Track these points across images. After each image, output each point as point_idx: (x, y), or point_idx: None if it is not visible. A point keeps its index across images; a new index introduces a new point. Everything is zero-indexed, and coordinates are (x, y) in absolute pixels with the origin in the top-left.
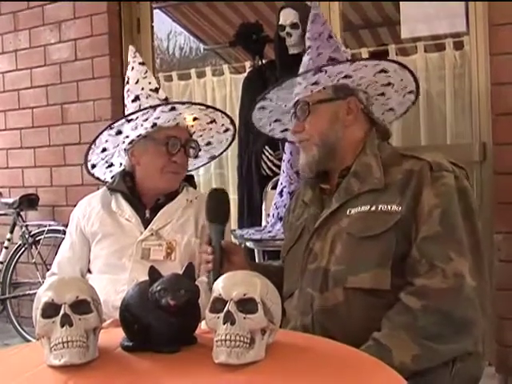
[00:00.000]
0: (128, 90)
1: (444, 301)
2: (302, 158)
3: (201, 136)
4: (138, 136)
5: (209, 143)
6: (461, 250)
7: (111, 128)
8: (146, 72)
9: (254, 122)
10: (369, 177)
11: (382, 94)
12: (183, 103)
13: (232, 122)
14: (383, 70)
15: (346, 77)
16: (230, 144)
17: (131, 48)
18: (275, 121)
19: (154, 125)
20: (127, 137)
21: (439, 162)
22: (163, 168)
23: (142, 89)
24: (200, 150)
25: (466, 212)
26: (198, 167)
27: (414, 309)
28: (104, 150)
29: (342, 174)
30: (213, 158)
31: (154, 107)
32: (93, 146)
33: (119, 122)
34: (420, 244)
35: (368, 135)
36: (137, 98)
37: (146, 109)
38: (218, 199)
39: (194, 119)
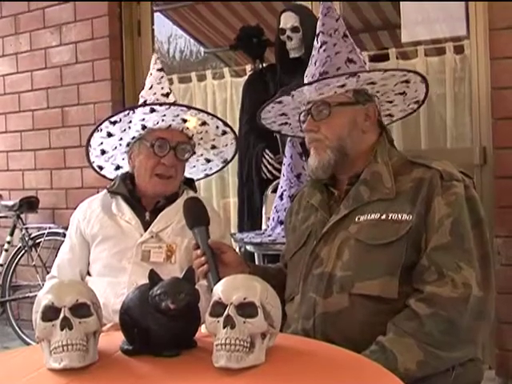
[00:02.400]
0: (141, 96)
1: (452, 309)
2: (314, 159)
3: (201, 139)
4: (132, 138)
5: (214, 147)
6: (470, 260)
7: (99, 130)
8: (162, 77)
9: (264, 121)
10: (379, 186)
11: (390, 102)
12: (161, 104)
13: (225, 123)
14: (406, 81)
15: (370, 83)
16: (236, 147)
17: (154, 55)
18: (281, 115)
19: (144, 127)
20: (121, 139)
21: (449, 172)
22: (152, 170)
23: (154, 94)
24: (194, 153)
25: (475, 222)
26: (215, 172)
27: (422, 315)
28: (103, 152)
29: (351, 180)
30: (226, 161)
31: (132, 108)
32: (89, 148)
33: (104, 124)
34: (430, 253)
35: (379, 142)
36: (145, 103)
37: (125, 110)
38: (190, 205)
39: (203, 124)
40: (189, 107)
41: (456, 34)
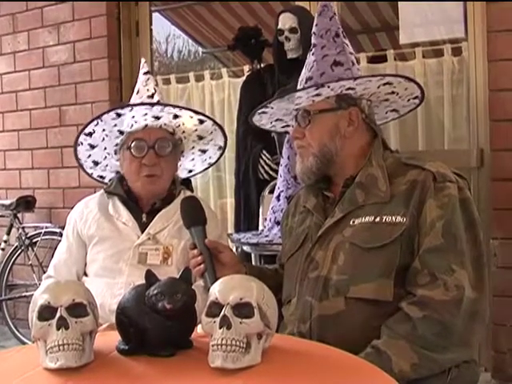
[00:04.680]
0: (131, 102)
1: (445, 312)
2: (298, 164)
3: (184, 132)
4: (116, 145)
5: (200, 137)
6: (462, 262)
7: (80, 144)
8: (148, 80)
9: (255, 122)
10: (374, 189)
11: (386, 100)
12: (122, 107)
13: (196, 112)
14: (388, 83)
15: (348, 89)
16: (222, 131)
17: (142, 59)
18: (276, 120)
19: (121, 133)
20: (105, 148)
21: (443, 173)
22: (138, 173)
23: (141, 97)
24: (178, 146)
25: (468, 223)
26: (217, 159)
27: (415, 318)
28: (96, 163)
29: (345, 183)
30: (221, 148)
31: (99, 117)
32: (81, 162)
33: (82, 137)
34: (422, 255)
35: (372, 144)
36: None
37: (93, 120)
38: (188, 205)
39: (175, 117)
40: (152, 104)
41: (454, 35)
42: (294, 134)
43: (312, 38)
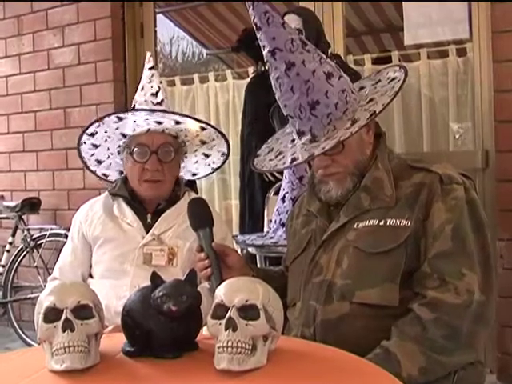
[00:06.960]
0: (134, 99)
1: (455, 316)
2: (336, 189)
3: (186, 136)
4: (119, 146)
5: (203, 142)
6: (471, 265)
7: (83, 143)
8: (152, 76)
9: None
10: (380, 193)
11: None
12: (124, 112)
13: (198, 120)
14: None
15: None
16: (225, 139)
17: (148, 53)
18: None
19: (124, 135)
20: (108, 149)
21: (450, 175)
22: (140, 177)
23: (145, 94)
24: (180, 151)
25: (476, 225)
26: (220, 165)
27: (425, 320)
28: (99, 162)
29: None
30: (224, 154)
31: (101, 119)
32: (85, 160)
33: (85, 137)
34: (432, 260)
35: (378, 146)
36: (134, 106)
37: (95, 121)
38: (195, 207)
39: (177, 123)
40: (152, 110)
41: (459, 36)
42: (322, 163)
43: (278, 54)
